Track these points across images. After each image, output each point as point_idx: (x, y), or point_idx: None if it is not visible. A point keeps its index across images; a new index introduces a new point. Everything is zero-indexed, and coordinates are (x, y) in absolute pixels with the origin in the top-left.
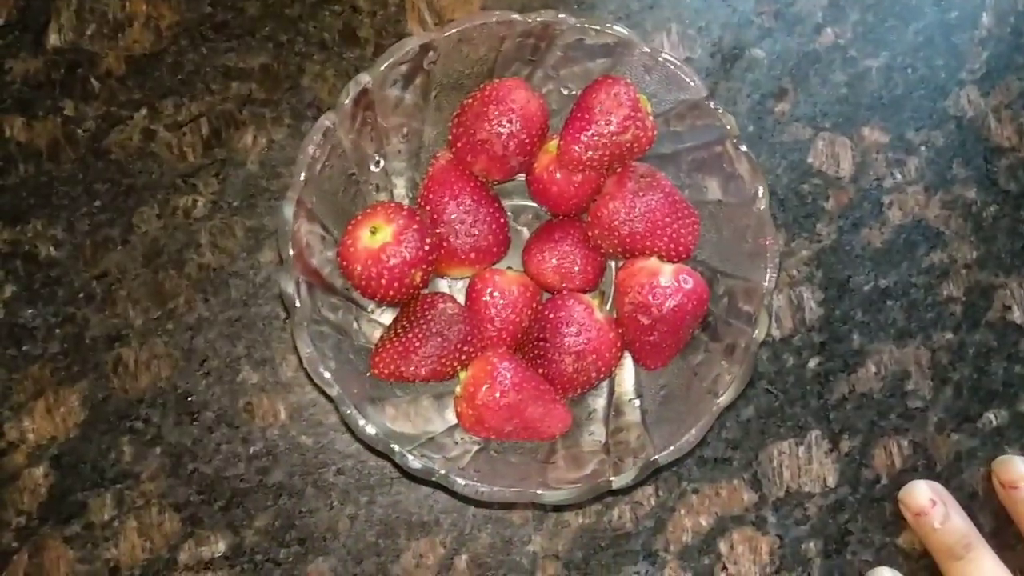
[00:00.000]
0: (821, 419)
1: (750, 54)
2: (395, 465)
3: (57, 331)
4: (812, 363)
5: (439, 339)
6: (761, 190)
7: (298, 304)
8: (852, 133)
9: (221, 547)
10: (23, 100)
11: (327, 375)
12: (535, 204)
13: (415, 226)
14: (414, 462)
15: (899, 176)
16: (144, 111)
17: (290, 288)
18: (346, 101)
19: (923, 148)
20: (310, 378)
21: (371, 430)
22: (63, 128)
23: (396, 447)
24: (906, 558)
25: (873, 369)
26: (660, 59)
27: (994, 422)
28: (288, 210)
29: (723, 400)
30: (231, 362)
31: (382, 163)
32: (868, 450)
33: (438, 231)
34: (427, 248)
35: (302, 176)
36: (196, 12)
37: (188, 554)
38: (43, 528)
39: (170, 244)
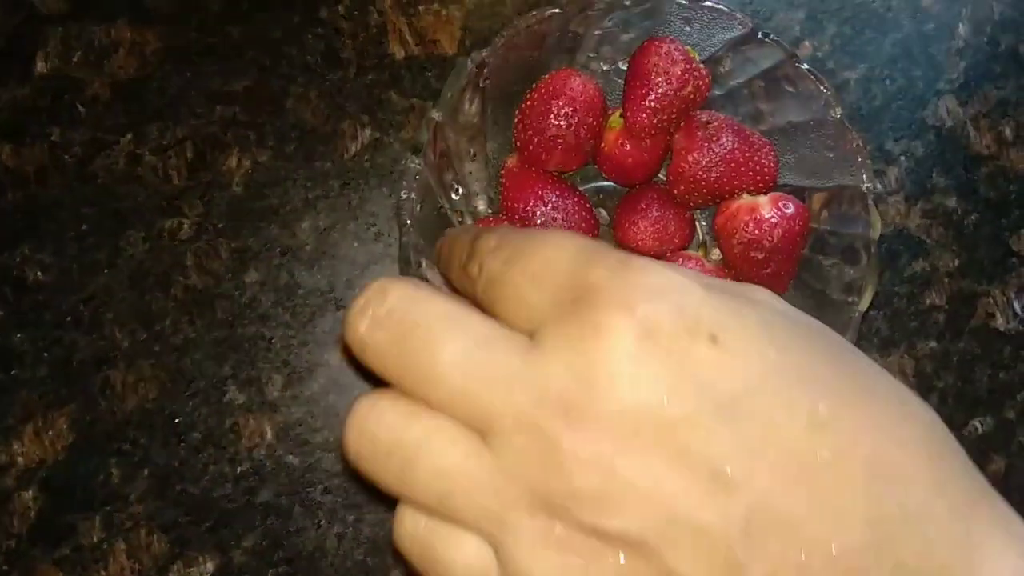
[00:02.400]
0: None
1: None
2: None
3: (45, 355)
4: None
5: None
6: (832, 98)
7: None
8: None
9: (209, 567)
10: (11, 127)
11: None
12: (596, 184)
13: None
14: None
15: (879, 186)
16: (130, 135)
17: None
18: (424, 140)
19: (903, 158)
20: None
21: None
22: (50, 154)
23: None
24: None
25: None
26: (703, 6)
27: (980, 429)
28: (408, 259)
29: (862, 304)
30: (217, 383)
31: (461, 189)
32: None
33: None
34: None
35: (408, 221)
36: (180, 37)
37: (177, 575)
38: (33, 551)
39: (156, 266)
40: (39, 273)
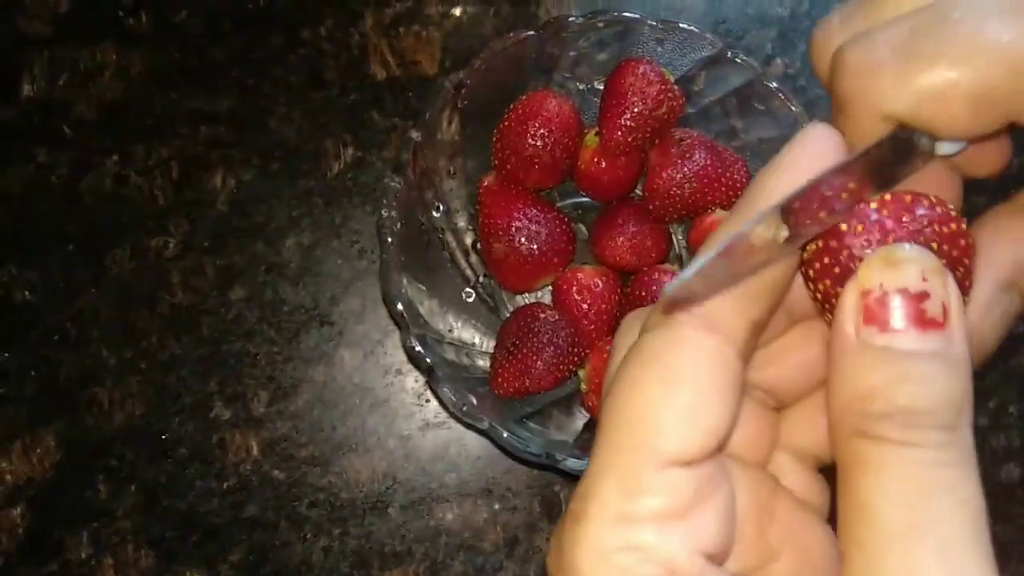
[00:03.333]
0: None
1: None
2: (554, 469)
3: (32, 372)
4: None
5: (552, 348)
6: (801, 115)
7: (429, 360)
8: None
9: None
10: None
11: (483, 419)
12: (574, 201)
13: None
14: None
15: None
16: (115, 156)
17: (418, 346)
18: (405, 159)
19: None
20: (455, 417)
21: (535, 449)
22: (36, 174)
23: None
24: None
25: None
26: (674, 27)
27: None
28: (390, 275)
29: None
30: (203, 399)
31: (441, 207)
32: None
33: (519, 248)
34: None
35: (389, 239)
36: (164, 59)
37: None
38: (21, 568)
39: (142, 284)
40: (26, 292)
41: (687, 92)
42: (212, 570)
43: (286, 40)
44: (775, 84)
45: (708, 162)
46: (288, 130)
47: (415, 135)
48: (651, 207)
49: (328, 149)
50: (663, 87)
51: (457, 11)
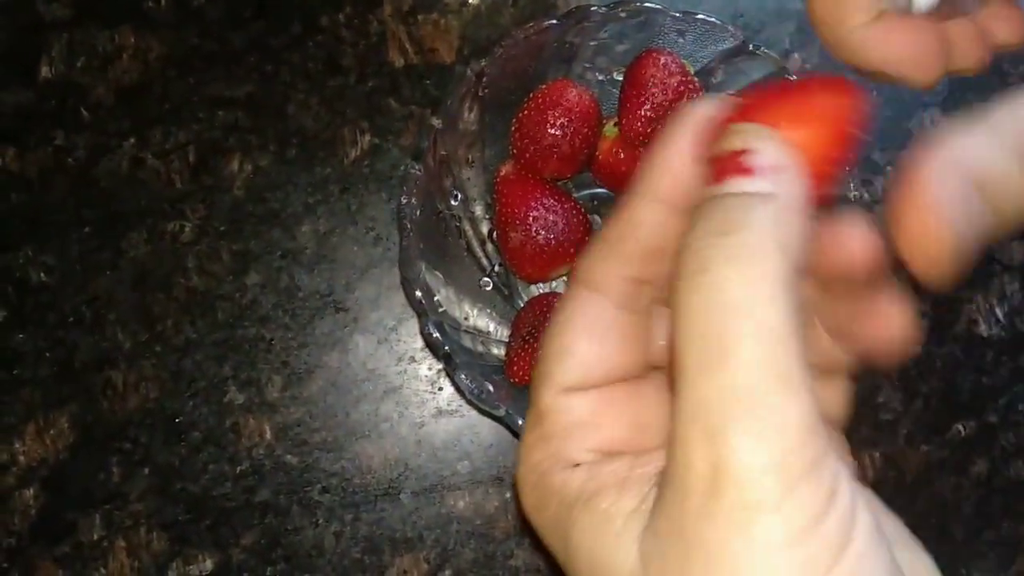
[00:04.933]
0: None
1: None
2: None
3: (47, 355)
4: None
5: None
6: None
7: (447, 347)
8: None
9: (208, 565)
10: (15, 131)
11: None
12: (591, 192)
13: None
14: None
15: (866, 196)
16: (132, 140)
17: (436, 333)
18: (424, 146)
19: (889, 168)
20: (471, 404)
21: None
22: (54, 157)
23: None
24: None
25: None
26: (696, 19)
27: (963, 433)
28: (410, 261)
29: None
30: (218, 383)
31: (459, 195)
32: None
33: (535, 237)
34: None
35: (408, 225)
36: (183, 44)
37: (176, 573)
38: (33, 548)
39: (158, 268)
40: (42, 274)
41: (706, 84)
42: (224, 553)
43: (305, 27)
44: (795, 77)
45: None
46: (305, 116)
47: (436, 122)
48: None
49: (345, 136)
50: (684, 79)
51: (475, 0)
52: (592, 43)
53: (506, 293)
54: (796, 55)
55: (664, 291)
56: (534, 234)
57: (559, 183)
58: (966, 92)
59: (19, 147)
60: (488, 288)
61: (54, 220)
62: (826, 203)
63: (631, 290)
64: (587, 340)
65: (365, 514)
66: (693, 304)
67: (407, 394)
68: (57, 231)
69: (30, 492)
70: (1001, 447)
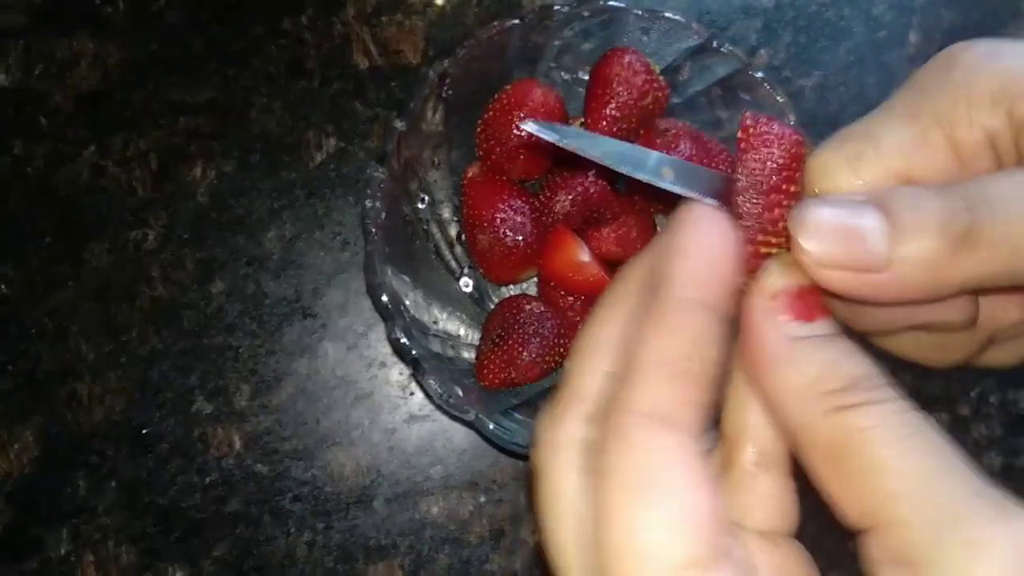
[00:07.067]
0: None
1: None
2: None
3: (9, 368)
4: None
5: (538, 339)
6: (786, 105)
7: (415, 352)
8: None
9: None
10: None
11: (469, 410)
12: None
13: None
14: None
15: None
16: (93, 147)
17: (403, 338)
18: (388, 149)
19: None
20: (441, 409)
21: (521, 440)
22: (12, 167)
23: None
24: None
25: None
26: (661, 17)
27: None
28: (375, 266)
29: None
30: (185, 393)
31: (426, 197)
32: None
33: (503, 239)
34: None
35: (373, 230)
36: (143, 49)
37: None
38: (0, 565)
39: (121, 278)
40: (2, 286)
41: (672, 82)
42: (195, 566)
43: (266, 30)
44: (760, 74)
45: (693, 152)
46: (269, 121)
47: (399, 125)
48: (636, 197)
49: (310, 140)
50: (649, 77)
51: (440, 0)
52: (557, 42)
53: (476, 296)
54: (763, 51)
55: None
56: (502, 236)
57: (527, 184)
58: None
59: None
60: (456, 291)
61: (13, 230)
62: None
63: (706, 419)
64: (704, 493)
65: (338, 522)
66: None
67: (378, 400)
68: (16, 242)
69: None
70: (974, 439)
